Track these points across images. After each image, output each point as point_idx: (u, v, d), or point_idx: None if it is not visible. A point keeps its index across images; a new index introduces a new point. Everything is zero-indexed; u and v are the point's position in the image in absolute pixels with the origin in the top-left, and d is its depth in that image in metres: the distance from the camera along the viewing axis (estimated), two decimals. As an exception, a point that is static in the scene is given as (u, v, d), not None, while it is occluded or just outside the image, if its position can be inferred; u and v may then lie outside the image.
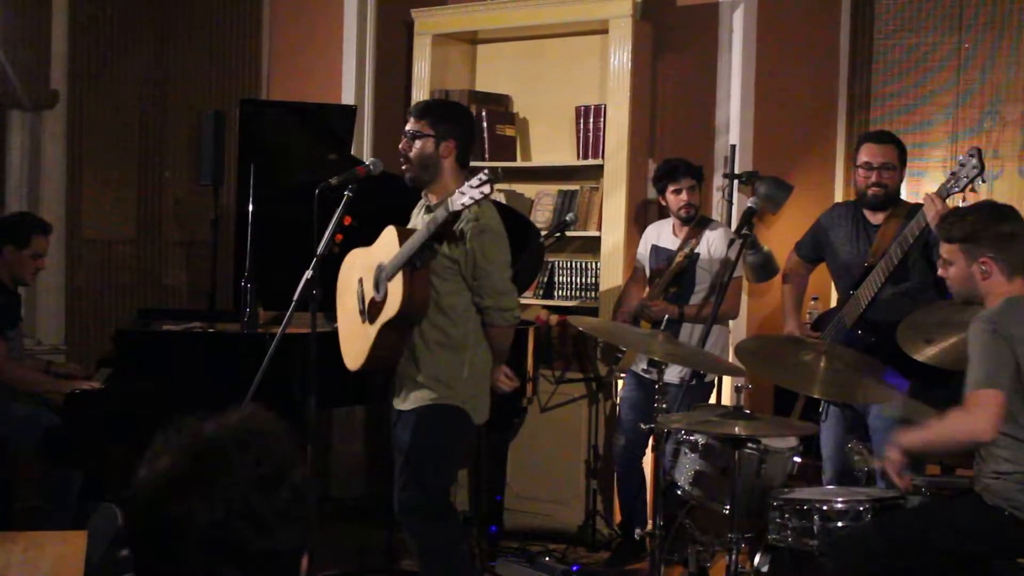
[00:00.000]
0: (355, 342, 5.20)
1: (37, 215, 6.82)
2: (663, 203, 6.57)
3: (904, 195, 6.07)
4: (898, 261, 5.63)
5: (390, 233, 5.04)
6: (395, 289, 4.94)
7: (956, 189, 5.43)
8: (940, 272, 4.48)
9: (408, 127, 5.04)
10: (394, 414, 5.19)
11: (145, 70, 7.72)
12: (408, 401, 5.04)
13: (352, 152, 6.97)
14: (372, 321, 5.08)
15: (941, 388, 5.34)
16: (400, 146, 5.04)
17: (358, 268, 5.22)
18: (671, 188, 6.45)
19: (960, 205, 5.46)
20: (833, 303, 6.27)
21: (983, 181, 5.49)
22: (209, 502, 1.76)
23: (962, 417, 4.13)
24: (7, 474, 6.12)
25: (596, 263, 7.21)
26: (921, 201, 5.56)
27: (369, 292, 5.10)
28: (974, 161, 5.38)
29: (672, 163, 6.51)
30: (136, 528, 1.83)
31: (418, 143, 4.97)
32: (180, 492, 1.77)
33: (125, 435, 5.55)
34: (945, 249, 4.39)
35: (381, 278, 5.01)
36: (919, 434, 4.31)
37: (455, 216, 4.80)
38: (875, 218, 5.84)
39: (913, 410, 5.10)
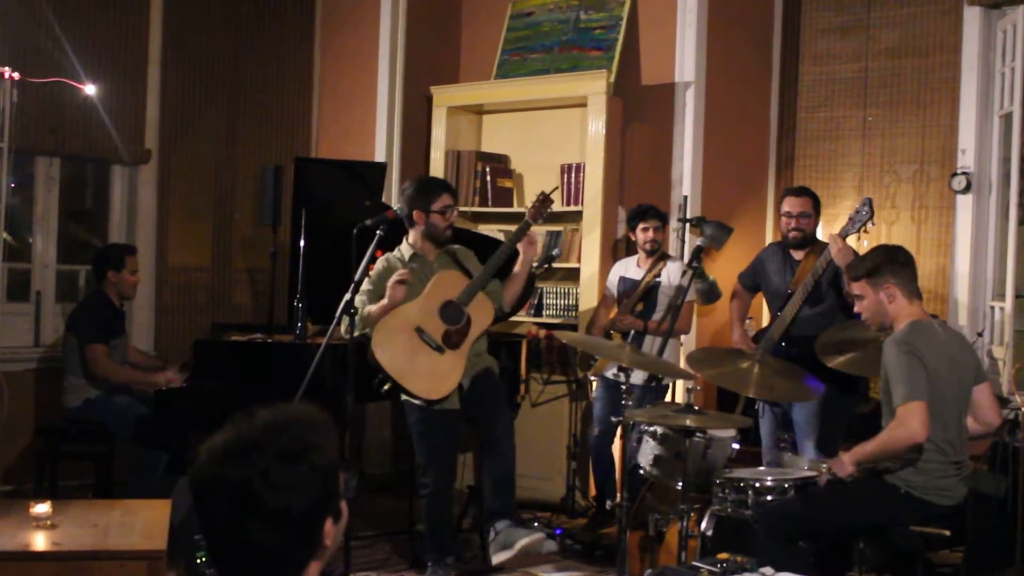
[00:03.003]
0: (443, 373, 5.25)
1: (123, 243, 6.86)
2: (633, 238, 6.56)
3: (821, 235, 6.10)
4: (812, 288, 5.67)
5: (449, 276, 5.33)
6: (481, 306, 5.31)
7: (852, 231, 5.52)
8: (856, 308, 4.46)
9: (448, 204, 5.37)
10: (450, 415, 5.32)
11: (219, 132, 7.72)
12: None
13: (383, 199, 6.97)
14: (458, 346, 5.24)
15: (849, 393, 5.39)
16: (448, 216, 5.36)
17: (409, 323, 5.23)
18: (641, 226, 6.45)
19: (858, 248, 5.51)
20: (765, 323, 6.29)
21: (873, 224, 5.55)
22: (238, 467, 1.82)
23: (899, 429, 4.09)
24: (108, 454, 6.11)
25: (576, 289, 7.21)
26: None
27: (439, 328, 5.22)
28: (866, 209, 5.48)
29: (644, 207, 6.51)
30: (192, 489, 1.89)
31: (455, 213, 5.42)
32: (222, 460, 1.84)
33: (202, 423, 5.55)
34: (856, 287, 4.39)
35: (457, 309, 5.26)
36: (866, 448, 4.23)
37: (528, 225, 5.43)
38: (797, 255, 5.88)
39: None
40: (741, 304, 6.23)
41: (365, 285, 5.18)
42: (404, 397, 5.29)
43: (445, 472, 5.36)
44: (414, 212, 5.33)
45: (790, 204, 5.89)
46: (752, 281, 6.17)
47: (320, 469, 1.87)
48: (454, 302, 5.23)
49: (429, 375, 5.22)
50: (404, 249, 5.39)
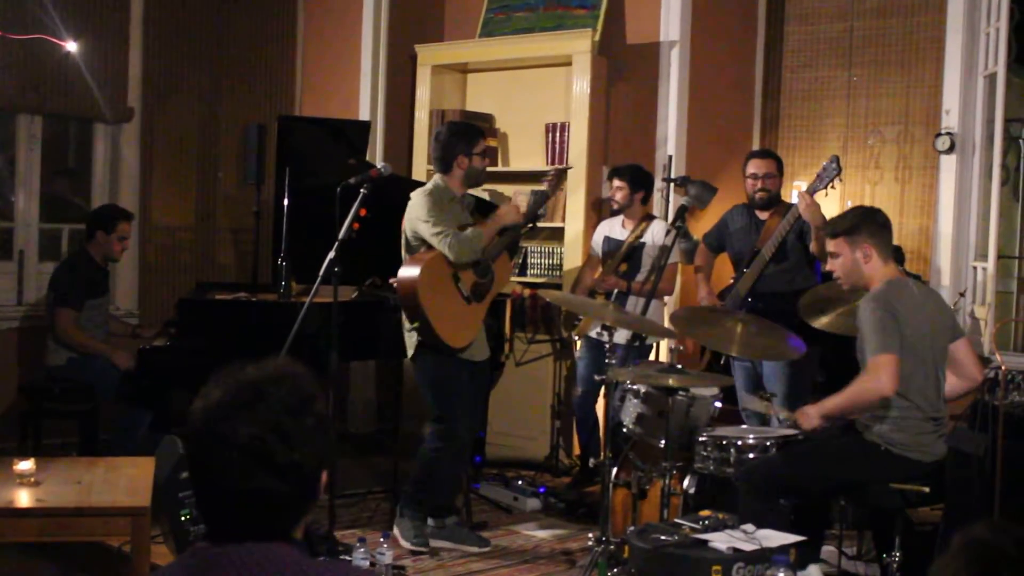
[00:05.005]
0: (467, 323, 5.29)
1: (120, 207, 6.79)
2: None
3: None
4: (778, 245, 5.76)
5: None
6: (504, 265, 5.46)
7: (820, 187, 5.65)
8: (828, 266, 4.45)
9: (487, 146, 5.45)
10: (468, 367, 5.33)
11: (203, 91, 7.67)
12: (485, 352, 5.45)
13: (367, 158, 6.94)
14: (481, 299, 5.32)
15: (815, 346, 5.41)
16: (487, 159, 5.44)
17: (447, 269, 5.21)
18: (617, 183, 6.47)
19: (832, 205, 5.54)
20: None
21: (840, 180, 5.65)
22: (249, 422, 1.81)
23: (868, 380, 4.09)
24: (92, 412, 6.10)
25: (561, 248, 7.21)
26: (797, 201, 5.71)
27: (471, 279, 5.29)
28: (833, 165, 5.62)
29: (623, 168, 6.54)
30: (193, 446, 1.87)
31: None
32: (227, 414, 1.82)
33: (186, 382, 5.50)
34: (832, 244, 4.38)
35: (486, 264, 5.31)
36: (835, 401, 4.21)
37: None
38: (763, 215, 6.03)
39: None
40: (705, 264, 6.32)
41: (435, 225, 5.12)
42: (417, 349, 5.26)
43: (464, 423, 5.32)
44: (457, 157, 5.25)
45: (755, 166, 6.01)
46: (717, 242, 6.26)
47: (324, 419, 1.89)
48: (484, 257, 5.25)
49: (454, 321, 5.24)
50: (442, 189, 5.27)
